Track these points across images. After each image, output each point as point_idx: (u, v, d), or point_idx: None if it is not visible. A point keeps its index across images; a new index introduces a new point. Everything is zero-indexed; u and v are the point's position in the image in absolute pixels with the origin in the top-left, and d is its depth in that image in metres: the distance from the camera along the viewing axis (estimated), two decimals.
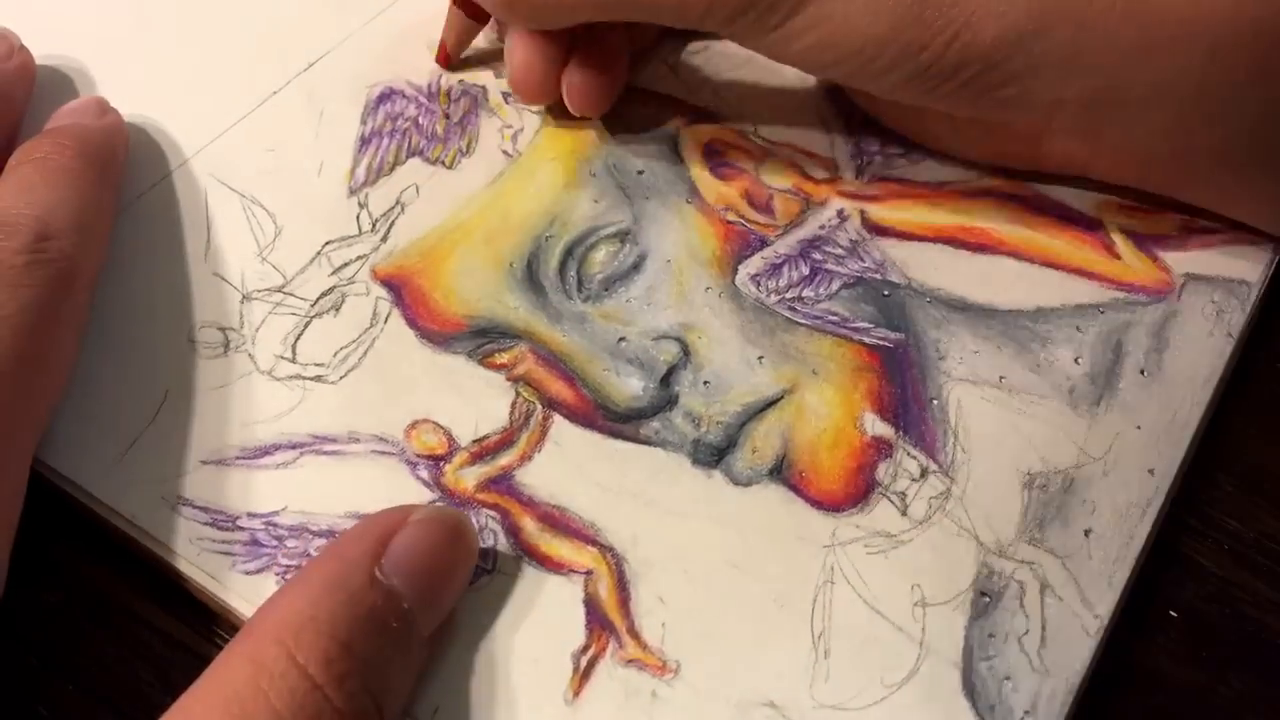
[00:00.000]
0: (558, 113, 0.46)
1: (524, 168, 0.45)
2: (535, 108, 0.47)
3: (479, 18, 0.47)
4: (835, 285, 0.42)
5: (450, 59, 0.48)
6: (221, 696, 0.29)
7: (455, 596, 0.34)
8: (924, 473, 0.38)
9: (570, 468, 0.38)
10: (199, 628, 0.36)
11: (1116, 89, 0.39)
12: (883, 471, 0.38)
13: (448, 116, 0.46)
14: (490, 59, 0.49)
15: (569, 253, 0.43)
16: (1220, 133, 0.40)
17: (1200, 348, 0.41)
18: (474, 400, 0.39)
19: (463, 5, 0.46)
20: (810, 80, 0.48)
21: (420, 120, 0.46)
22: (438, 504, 0.36)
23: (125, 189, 0.43)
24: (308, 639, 0.30)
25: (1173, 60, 0.38)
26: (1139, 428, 0.39)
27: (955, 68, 0.39)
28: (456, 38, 0.47)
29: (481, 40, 0.49)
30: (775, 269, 0.43)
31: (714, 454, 0.38)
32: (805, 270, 0.42)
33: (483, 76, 0.48)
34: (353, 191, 0.44)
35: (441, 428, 0.38)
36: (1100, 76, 0.39)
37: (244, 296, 0.41)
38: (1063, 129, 0.42)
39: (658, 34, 0.48)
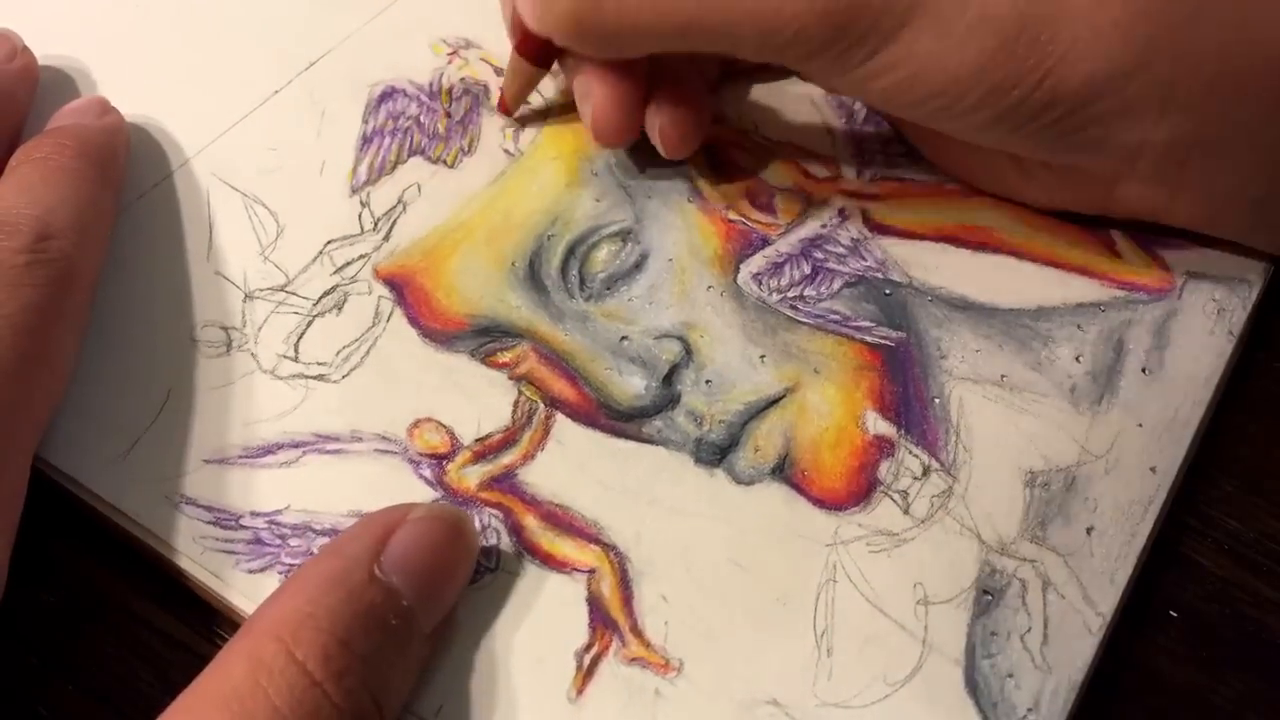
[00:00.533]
0: (559, 111, 0.46)
1: (526, 167, 0.45)
2: (535, 108, 0.47)
3: (543, 64, 0.44)
4: (837, 284, 0.42)
5: (511, 110, 0.47)
6: (220, 694, 0.29)
7: (456, 594, 0.34)
8: (926, 471, 0.38)
9: (573, 466, 0.38)
10: (199, 627, 0.36)
11: (1205, 132, 0.38)
12: (885, 470, 0.38)
13: (449, 115, 0.46)
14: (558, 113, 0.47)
15: (571, 252, 0.43)
16: None
17: (1201, 346, 0.41)
18: (476, 399, 0.39)
19: (526, 52, 0.44)
20: None
21: (422, 119, 0.46)
22: (438, 502, 0.36)
23: (127, 189, 0.43)
24: (306, 636, 0.30)
25: (1262, 100, 0.38)
26: (1140, 426, 0.39)
27: (1043, 108, 0.38)
28: (518, 88, 0.46)
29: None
30: (777, 268, 0.43)
31: (716, 453, 0.38)
32: (807, 269, 0.43)
33: (484, 75, 0.48)
34: (354, 190, 0.44)
35: (444, 426, 0.39)
36: (1191, 119, 0.38)
37: (246, 295, 0.41)
38: (1141, 174, 0.40)
39: (721, 71, 0.47)
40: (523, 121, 0.47)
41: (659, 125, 0.43)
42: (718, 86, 0.47)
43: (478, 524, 0.36)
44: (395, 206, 0.44)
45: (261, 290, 0.41)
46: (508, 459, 0.38)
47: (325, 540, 0.36)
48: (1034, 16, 0.36)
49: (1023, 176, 0.43)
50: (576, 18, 0.39)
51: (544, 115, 0.47)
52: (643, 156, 0.45)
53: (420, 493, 0.37)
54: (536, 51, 0.43)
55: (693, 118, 0.43)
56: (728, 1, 0.37)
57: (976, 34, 0.37)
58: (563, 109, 0.46)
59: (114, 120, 0.43)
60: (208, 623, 0.36)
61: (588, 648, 0.34)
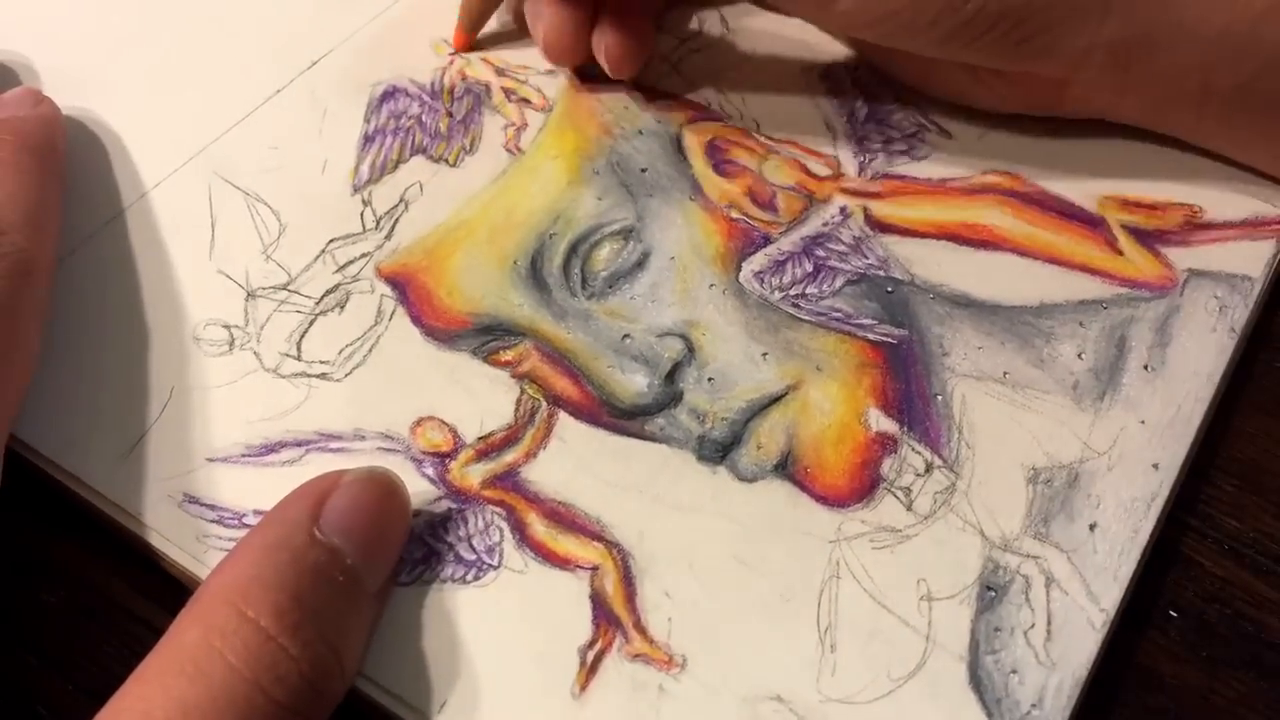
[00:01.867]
0: (566, 100, 0.47)
1: (527, 165, 0.45)
2: (538, 109, 0.47)
3: None
4: (839, 282, 0.42)
5: (468, 40, 0.48)
6: (175, 660, 0.29)
7: (396, 552, 0.35)
8: (929, 468, 0.38)
9: (576, 464, 0.38)
10: None
11: (1145, 32, 0.40)
12: (887, 467, 0.38)
13: (451, 114, 0.47)
14: (506, 39, 0.49)
15: (573, 250, 0.43)
16: (1242, 71, 0.41)
17: (1203, 343, 0.41)
18: (479, 397, 0.39)
19: None
20: (813, 78, 0.48)
21: (424, 118, 0.46)
22: (369, 465, 0.35)
23: (129, 188, 0.43)
24: (256, 594, 0.30)
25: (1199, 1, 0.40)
26: (1143, 422, 0.39)
27: (995, 19, 0.39)
28: (473, 16, 0.48)
29: (495, 24, 0.49)
30: (779, 266, 0.43)
31: (719, 450, 0.38)
32: (809, 267, 0.43)
33: (486, 74, 0.48)
34: (356, 189, 0.44)
35: (447, 425, 0.39)
36: (1132, 21, 0.40)
37: (249, 294, 0.41)
38: (1090, 75, 0.42)
39: None
40: (473, 47, 0.49)
41: (604, 45, 0.46)
42: (663, 11, 0.50)
43: (480, 522, 0.36)
44: (397, 205, 0.44)
45: (264, 289, 0.41)
46: (510, 457, 0.38)
47: None
48: None
49: (977, 83, 0.45)
50: None
51: (545, 114, 0.47)
52: (645, 155, 0.45)
53: (423, 491, 0.37)
54: None
55: (636, 38, 0.46)
56: None
57: None
58: (565, 115, 0.46)
59: (48, 110, 0.43)
60: None
61: (591, 644, 0.34)
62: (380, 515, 0.34)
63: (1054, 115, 0.45)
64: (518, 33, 0.49)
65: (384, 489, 0.34)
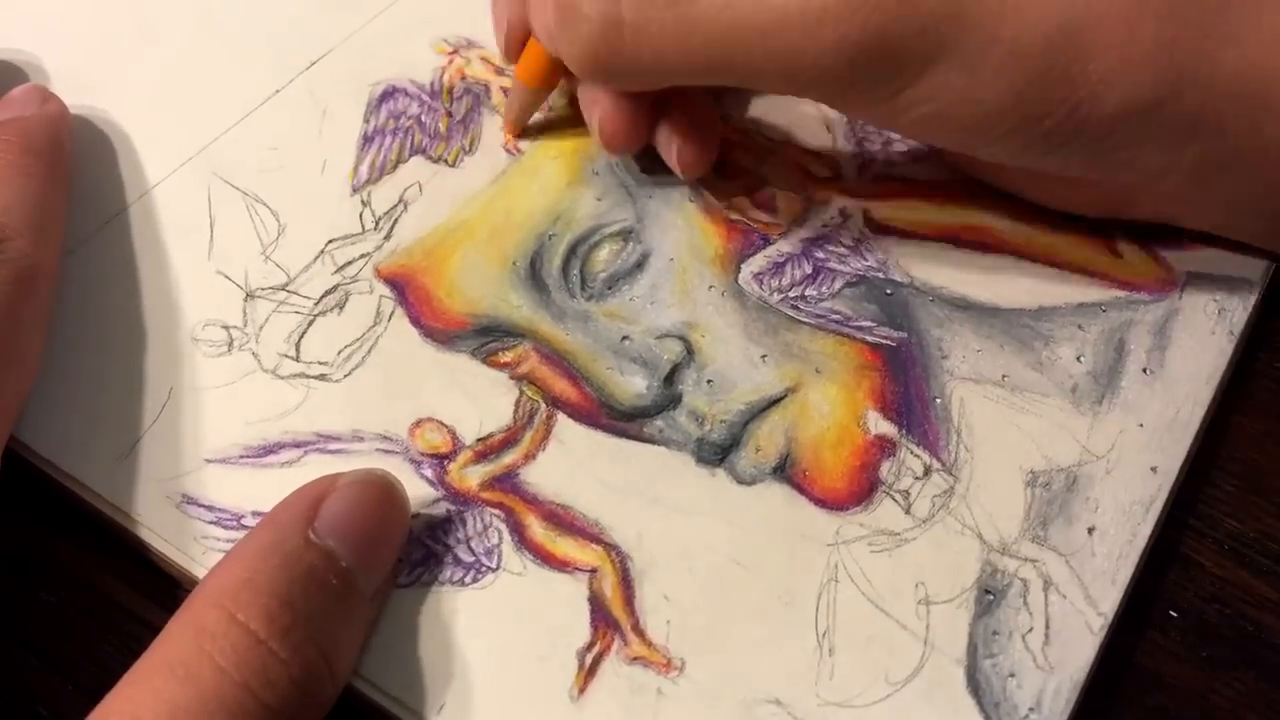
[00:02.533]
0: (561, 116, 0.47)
1: (527, 166, 0.45)
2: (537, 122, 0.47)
3: (545, 86, 0.45)
4: (838, 284, 0.42)
5: (515, 134, 0.46)
6: (165, 662, 0.30)
7: (393, 555, 0.34)
8: (927, 471, 0.38)
9: (574, 466, 0.38)
10: None
11: (1230, 156, 0.38)
12: (886, 470, 0.38)
13: (450, 114, 0.46)
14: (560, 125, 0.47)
15: (572, 251, 0.43)
16: None
17: (1202, 346, 0.41)
18: (478, 399, 0.39)
19: (529, 77, 0.44)
20: None
21: (423, 118, 0.46)
22: (367, 467, 0.35)
23: (129, 187, 0.43)
24: (246, 598, 0.30)
25: None
26: (1141, 426, 0.39)
27: (1073, 135, 0.37)
28: (519, 112, 0.46)
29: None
30: (778, 268, 0.43)
31: (718, 452, 0.38)
32: (808, 269, 0.43)
33: (486, 74, 0.48)
34: (356, 190, 0.44)
35: (445, 426, 0.38)
36: (1217, 141, 0.38)
37: (247, 295, 0.41)
38: (1163, 189, 0.40)
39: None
40: (527, 135, 0.46)
41: (674, 147, 0.43)
42: (721, 93, 0.47)
43: (479, 524, 0.36)
44: (396, 206, 0.44)
45: (263, 289, 0.41)
46: (509, 459, 0.38)
47: None
48: (1064, 50, 0.36)
49: (1070, 190, 0.43)
50: (595, 55, 0.38)
51: (547, 126, 0.47)
52: (644, 156, 0.45)
53: (422, 492, 0.37)
54: (540, 74, 0.44)
55: (705, 133, 0.43)
56: (749, 41, 0.36)
57: (1007, 70, 0.36)
58: (566, 114, 0.46)
59: (55, 108, 0.43)
60: None
61: (589, 647, 0.34)
62: (377, 518, 0.34)
63: (1118, 219, 0.43)
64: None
65: (381, 491, 0.34)
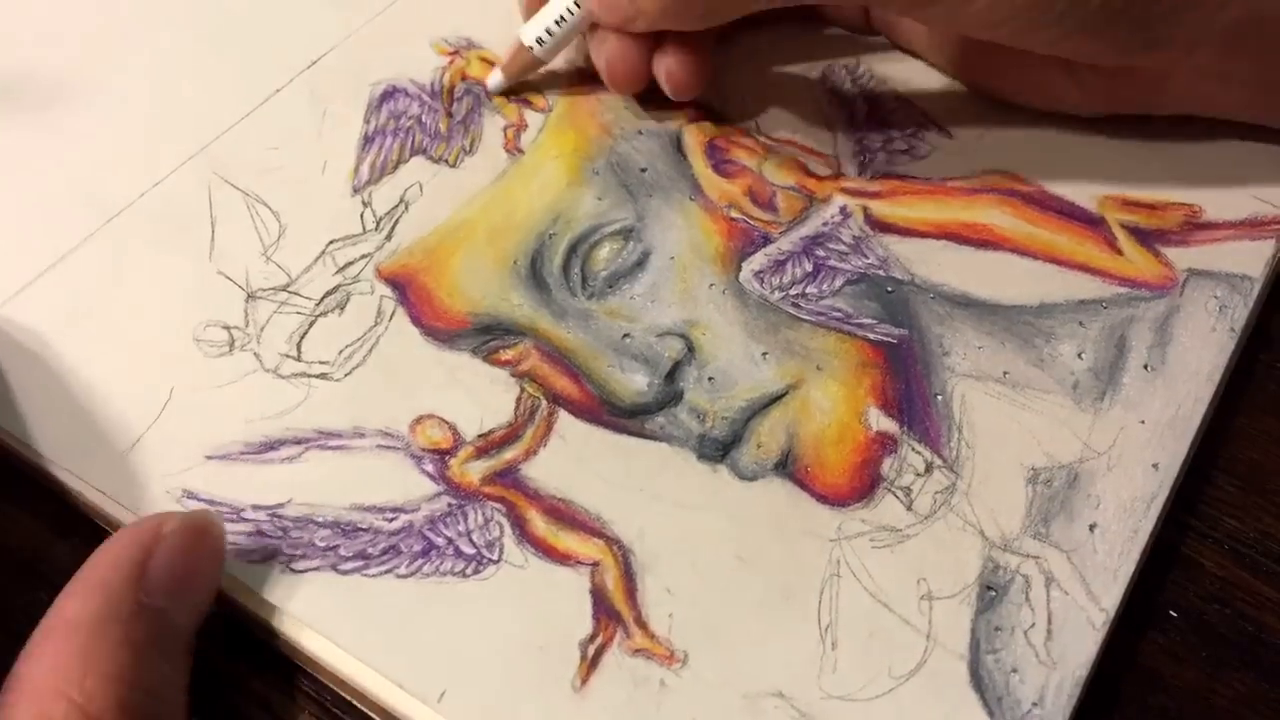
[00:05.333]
0: (566, 100, 0.47)
1: (527, 166, 0.45)
2: (538, 110, 0.47)
3: (549, 54, 0.47)
4: (839, 282, 0.42)
5: (502, 89, 0.48)
6: None
7: (214, 593, 0.34)
8: (929, 468, 0.38)
9: (576, 462, 0.38)
10: (203, 624, 0.36)
11: (1258, 14, 0.40)
12: (888, 466, 0.38)
13: (451, 114, 0.47)
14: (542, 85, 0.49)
15: (573, 250, 0.43)
16: None
17: (1203, 343, 0.41)
18: (479, 396, 0.39)
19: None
20: (813, 77, 0.49)
21: (423, 118, 0.46)
22: (181, 510, 0.35)
23: (130, 188, 0.44)
24: (95, 688, 0.29)
25: None
26: (1143, 422, 0.39)
27: (1121, 10, 0.39)
28: (518, 70, 0.47)
29: None
30: (779, 266, 0.43)
31: (719, 449, 0.38)
32: (809, 267, 0.43)
33: (486, 75, 0.48)
34: (356, 190, 0.44)
35: (446, 423, 0.38)
36: (1248, 4, 0.40)
37: (249, 295, 0.41)
38: (1196, 65, 0.42)
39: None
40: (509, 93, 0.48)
41: (665, 69, 0.45)
42: (729, 32, 0.48)
43: (480, 518, 0.36)
44: (397, 206, 0.44)
45: (264, 290, 0.41)
46: (510, 454, 0.38)
47: (327, 533, 0.36)
48: None
49: (1075, 86, 0.45)
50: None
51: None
52: (645, 155, 0.45)
53: (423, 486, 0.37)
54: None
55: (697, 60, 0.45)
56: None
57: None
58: (565, 115, 0.46)
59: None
60: (206, 621, 0.36)
61: (592, 638, 0.34)
62: (200, 564, 0.33)
63: (1150, 113, 0.45)
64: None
65: (201, 533, 0.33)
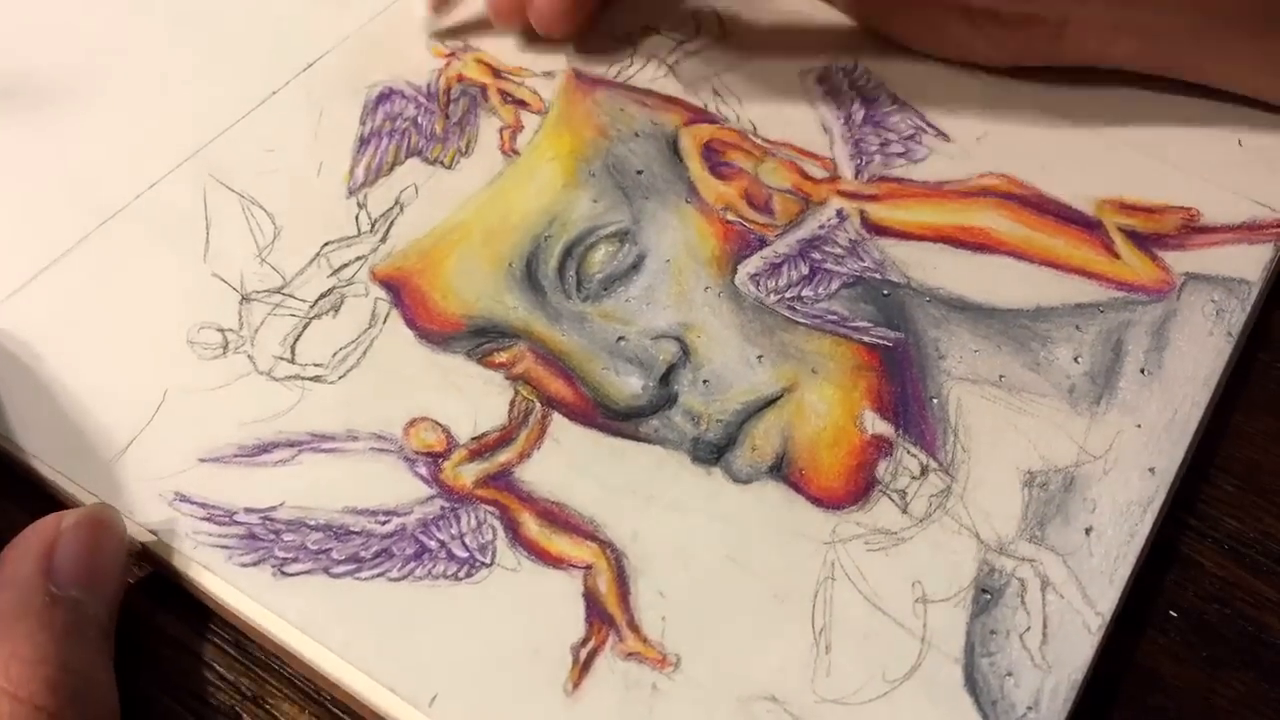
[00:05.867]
0: (562, 102, 0.47)
1: (523, 168, 0.45)
2: (534, 112, 0.47)
3: None
4: (834, 285, 0.42)
5: (436, 7, 0.49)
6: None
7: (123, 582, 0.34)
8: (924, 471, 0.38)
9: (569, 464, 0.38)
10: (197, 626, 0.36)
11: None
12: (883, 469, 0.38)
13: (447, 116, 0.47)
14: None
15: (568, 252, 0.43)
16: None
17: (1200, 347, 0.41)
18: (473, 399, 0.39)
19: None
20: (810, 80, 0.49)
21: (419, 120, 0.46)
22: (83, 508, 0.35)
23: (125, 190, 0.44)
24: (20, 673, 0.30)
25: None
26: (1139, 426, 0.39)
27: None
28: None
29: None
30: (774, 268, 0.42)
31: (713, 452, 0.38)
32: (804, 270, 0.42)
33: (482, 76, 0.48)
34: (352, 192, 0.44)
35: (440, 425, 0.38)
36: None
37: (243, 297, 0.41)
38: (1090, 13, 0.43)
39: None
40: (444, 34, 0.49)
41: (533, 4, 0.46)
42: None
43: (473, 520, 0.36)
44: (392, 208, 0.44)
45: (259, 292, 0.41)
46: (504, 457, 0.38)
47: (319, 535, 0.36)
48: None
49: (974, 31, 0.46)
50: None
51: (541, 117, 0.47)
52: (641, 157, 0.45)
53: (416, 490, 0.37)
54: None
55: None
56: None
57: None
58: (562, 116, 0.46)
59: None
60: (205, 621, 0.36)
61: (584, 642, 0.34)
62: (105, 555, 0.34)
63: (1050, 64, 0.46)
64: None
65: (103, 527, 0.34)
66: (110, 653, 0.33)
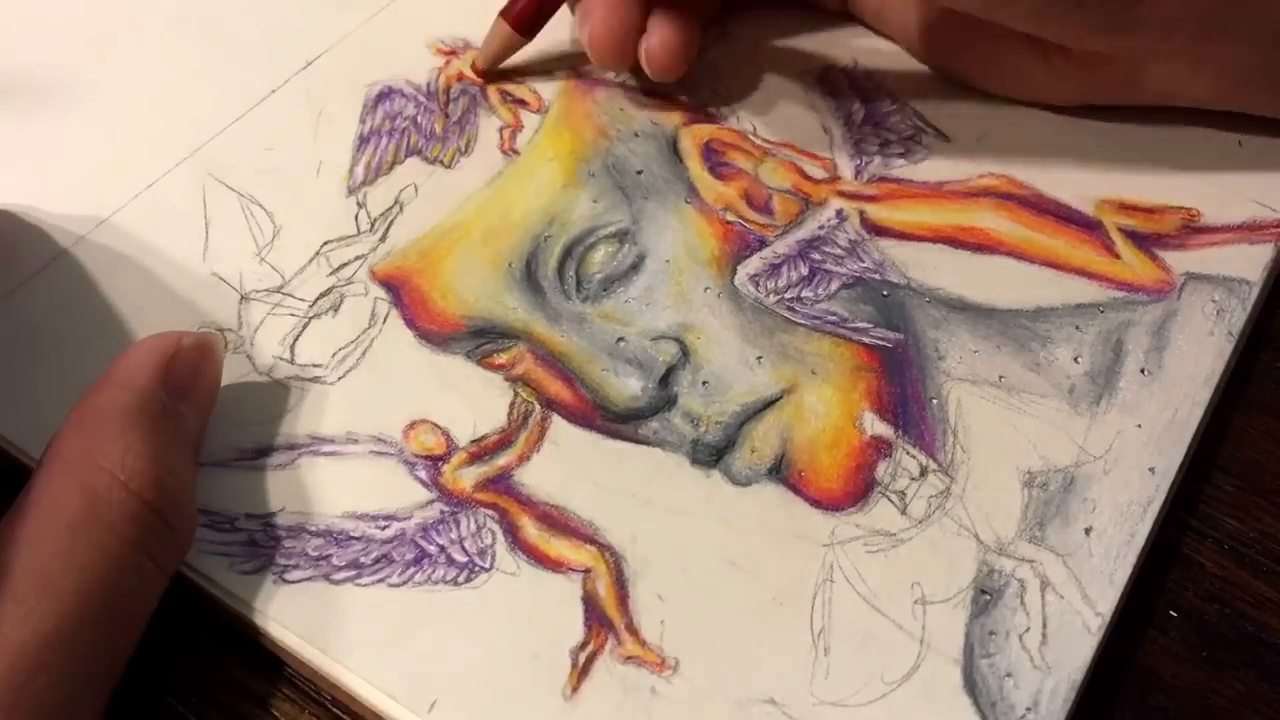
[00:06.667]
0: (562, 102, 0.47)
1: (523, 167, 0.45)
2: (534, 111, 0.47)
3: (528, 33, 0.47)
4: (834, 285, 0.42)
5: (486, 74, 0.48)
6: (63, 522, 0.31)
7: (214, 402, 0.37)
8: (923, 472, 0.38)
9: (569, 467, 0.38)
10: (197, 626, 0.36)
11: (1235, 3, 0.41)
12: (882, 471, 0.38)
13: (447, 115, 0.46)
14: (527, 72, 0.49)
15: (568, 253, 0.43)
16: None
17: (1201, 347, 0.41)
18: (472, 400, 0.39)
19: (516, 19, 0.46)
20: (810, 80, 0.48)
21: (419, 119, 0.46)
22: (197, 332, 0.37)
23: (124, 189, 0.43)
24: (134, 465, 0.32)
25: None
26: (1139, 426, 0.39)
27: None
28: (495, 50, 0.47)
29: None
30: (774, 269, 0.42)
31: (713, 454, 0.38)
32: (804, 270, 0.42)
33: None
34: (351, 191, 0.44)
35: (440, 428, 0.38)
36: None
37: (242, 297, 0.41)
38: (1170, 50, 0.42)
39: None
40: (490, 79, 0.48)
41: (647, 47, 0.45)
42: (719, 15, 0.49)
43: (473, 525, 0.36)
44: (392, 207, 0.44)
45: (257, 292, 0.41)
46: (503, 460, 0.38)
47: (320, 541, 0.36)
48: None
49: (1048, 71, 0.45)
50: None
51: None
52: (641, 157, 0.45)
53: (415, 493, 0.37)
54: (525, 19, 0.46)
55: (682, 42, 0.45)
56: None
57: None
58: (562, 116, 0.46)
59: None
60: (204, 620, 0.36)
61: (583, 645, 0.34)
62: (211, 378, 0.37)
63: (1125, 101, 0.46)
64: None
65: (213, 351, 0.37)
66: (196, 467, 0.35)
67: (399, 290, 0.42)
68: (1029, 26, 0.42)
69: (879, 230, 0.44)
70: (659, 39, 0.45)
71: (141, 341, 0.35)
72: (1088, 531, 0.37)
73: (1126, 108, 0.46)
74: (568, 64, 0.49)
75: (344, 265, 0.42)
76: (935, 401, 0.39)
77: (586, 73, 0.48)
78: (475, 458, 0.38)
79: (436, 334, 0.41)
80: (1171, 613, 0.37)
